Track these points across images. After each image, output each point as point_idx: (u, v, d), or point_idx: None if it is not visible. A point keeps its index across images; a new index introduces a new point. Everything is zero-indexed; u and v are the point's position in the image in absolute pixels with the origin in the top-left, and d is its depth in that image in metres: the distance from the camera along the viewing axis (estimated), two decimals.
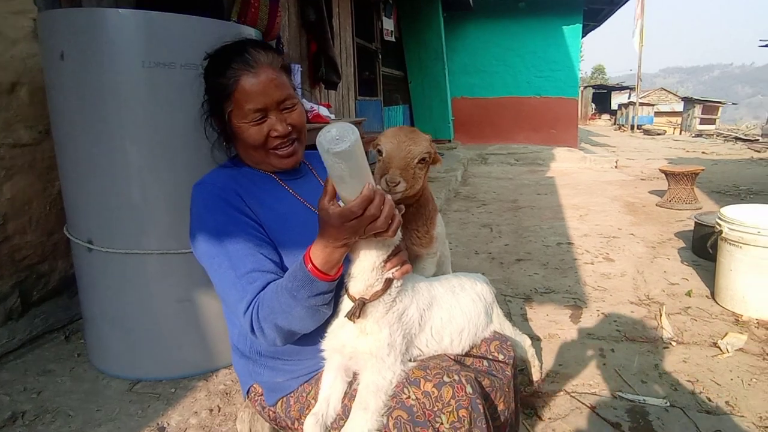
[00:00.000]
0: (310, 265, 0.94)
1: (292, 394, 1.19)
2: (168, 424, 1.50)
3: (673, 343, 2.09)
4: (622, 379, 1.87)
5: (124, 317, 1.66)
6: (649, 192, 5.63)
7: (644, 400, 1.73)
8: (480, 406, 1.03)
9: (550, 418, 1.69)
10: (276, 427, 1.27)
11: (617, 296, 2.64)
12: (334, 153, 0.81)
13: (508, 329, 1.57)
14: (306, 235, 1.12)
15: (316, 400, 1.12)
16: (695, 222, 3.19)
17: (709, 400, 1.71)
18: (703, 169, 4.80)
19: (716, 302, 2.48)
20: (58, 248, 1.87)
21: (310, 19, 4.35)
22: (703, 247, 3.16)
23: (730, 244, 2.29)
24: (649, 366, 1.95)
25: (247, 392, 1.28)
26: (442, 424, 0.99)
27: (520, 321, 2.42)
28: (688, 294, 2.60)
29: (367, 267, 0.98)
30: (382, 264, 0.99)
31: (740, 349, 2.01)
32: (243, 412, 1.36)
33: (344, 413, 1.07)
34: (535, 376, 1.79)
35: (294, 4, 4.31)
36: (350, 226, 0.87)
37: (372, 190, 0.87)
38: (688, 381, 1.83)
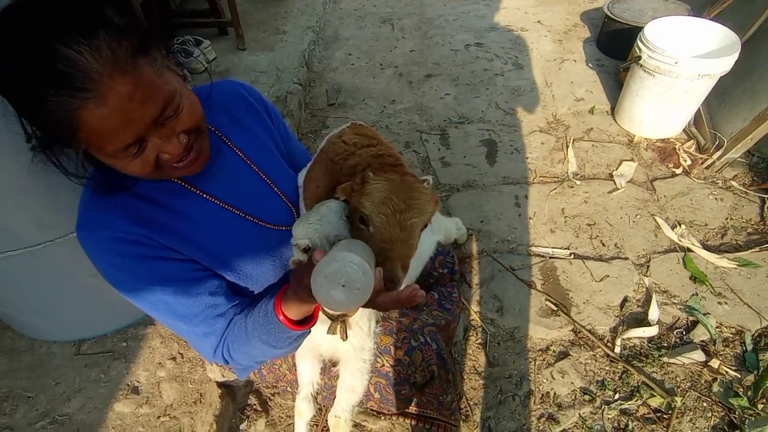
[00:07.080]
0: (282, 317, 0.80)
1: (263, 367, 1.20)
2: (139, 381, 1.42)
3: (578, 182, 2.27)
4: (534, 232, 2.06)
5: (35, 306, 1.36)
6: None
7: (552, 253, 1.97)
8: (444, 354, 1.13)
9: (477, 284, 1.89)
10: None
11: (528, 123, 2.65)
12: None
13: (444, 223, 1.64)
14: (243, 244, 0.94)
15: (290, 372, 1.19)
16: (605, 15, 3.01)
17: (603, 245, 2.00)
18: None
19: (615, 120, 2.62)
20: None
21: None
22: (608, 43, 3.12)
23: (644, 71, 2.25)
24: (557, 211, 2.14)
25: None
26: (416, 379, 1.11)
27: (440, 167, 2.39)
28: (591, 111, 2.69)
29: None
30: None
31: (630, 181, 2.26)
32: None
33: (324, 386, 1.17)
34: (462, 240, 1.99)
35: None
36: None
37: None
38: (588, 225, 2.08)
